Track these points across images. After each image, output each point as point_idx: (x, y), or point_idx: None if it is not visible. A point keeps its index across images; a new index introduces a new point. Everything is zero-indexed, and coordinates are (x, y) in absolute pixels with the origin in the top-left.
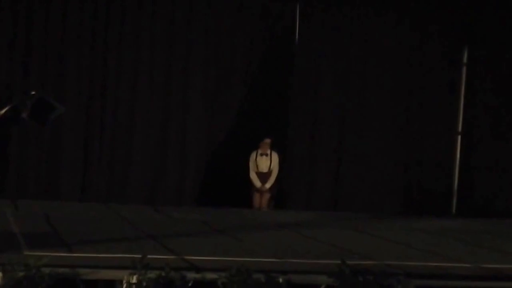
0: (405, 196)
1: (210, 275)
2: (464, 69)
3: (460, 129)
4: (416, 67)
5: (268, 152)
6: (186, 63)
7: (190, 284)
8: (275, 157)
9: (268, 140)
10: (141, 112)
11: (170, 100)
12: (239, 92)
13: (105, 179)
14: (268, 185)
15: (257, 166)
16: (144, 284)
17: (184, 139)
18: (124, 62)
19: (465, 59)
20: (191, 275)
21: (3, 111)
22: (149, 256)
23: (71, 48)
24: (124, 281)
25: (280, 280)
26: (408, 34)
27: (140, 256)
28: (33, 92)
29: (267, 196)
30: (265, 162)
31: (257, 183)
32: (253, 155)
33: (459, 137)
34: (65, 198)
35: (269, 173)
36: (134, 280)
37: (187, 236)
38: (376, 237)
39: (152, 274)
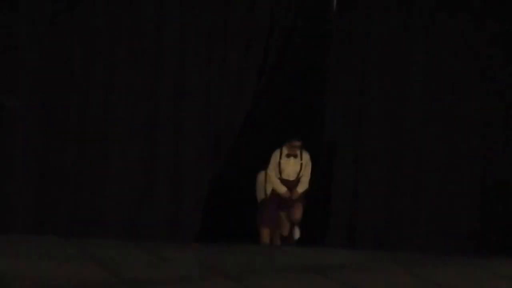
0: (481, 229)
1: None
2: None
3: None
4: (497, 63)
5: (298, 152)
6: (180, 42)
7: None
8: (306, 159)
9: (297, 143)
10: (119, 111)
11: (159, 94)
12: (254, 82)
13: (69, 206)
14: (300, 190)
15: (280, 171)
16: None
17: (178, 150)
18: (96, 48)
19: None
20: None
21: None
22: None
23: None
24: None
25: None
26: (483, 27)
27: None
28: None
29: (297, 214)
30: (293, 166)
31: (280, 187)
32: (276, 155)
33: None
34: (16, 231)
35: (297, 181)
36: None
37: (180, 283)
38: (441, 285)
39: None
